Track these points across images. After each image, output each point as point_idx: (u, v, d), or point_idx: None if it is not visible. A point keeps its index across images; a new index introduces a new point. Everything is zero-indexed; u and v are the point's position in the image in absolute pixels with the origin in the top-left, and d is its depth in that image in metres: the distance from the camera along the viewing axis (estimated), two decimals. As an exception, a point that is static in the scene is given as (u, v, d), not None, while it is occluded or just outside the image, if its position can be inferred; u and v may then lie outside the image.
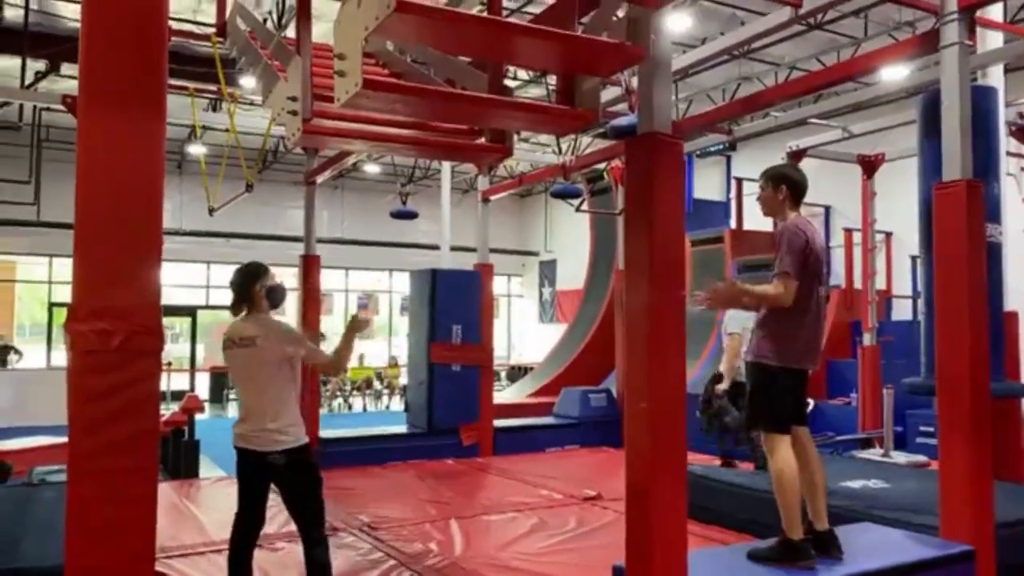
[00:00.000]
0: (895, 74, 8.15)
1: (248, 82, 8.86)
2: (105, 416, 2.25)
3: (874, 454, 7.88)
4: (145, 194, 2.46)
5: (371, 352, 19.77)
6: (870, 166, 9.26)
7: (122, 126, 2.44)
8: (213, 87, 8.71)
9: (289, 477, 3.61)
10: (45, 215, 15.49)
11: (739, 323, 6.38)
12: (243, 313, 3.72)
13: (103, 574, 2.27)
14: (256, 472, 3.62)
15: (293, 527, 4.12)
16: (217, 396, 17.40)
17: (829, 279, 3.79)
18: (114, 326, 2.28)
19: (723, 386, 6.53)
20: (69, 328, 2.30)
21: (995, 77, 6.62)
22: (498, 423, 9.01)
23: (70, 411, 2.26)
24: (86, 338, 2.27)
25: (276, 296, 3.79)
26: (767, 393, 3.63)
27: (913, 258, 10.82)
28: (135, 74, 2.47)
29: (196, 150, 12.87)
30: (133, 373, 2.29)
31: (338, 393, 16.87)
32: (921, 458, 7.72)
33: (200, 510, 6.00)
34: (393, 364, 18.00)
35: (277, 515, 5.74)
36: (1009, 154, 7.34)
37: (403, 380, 15.29)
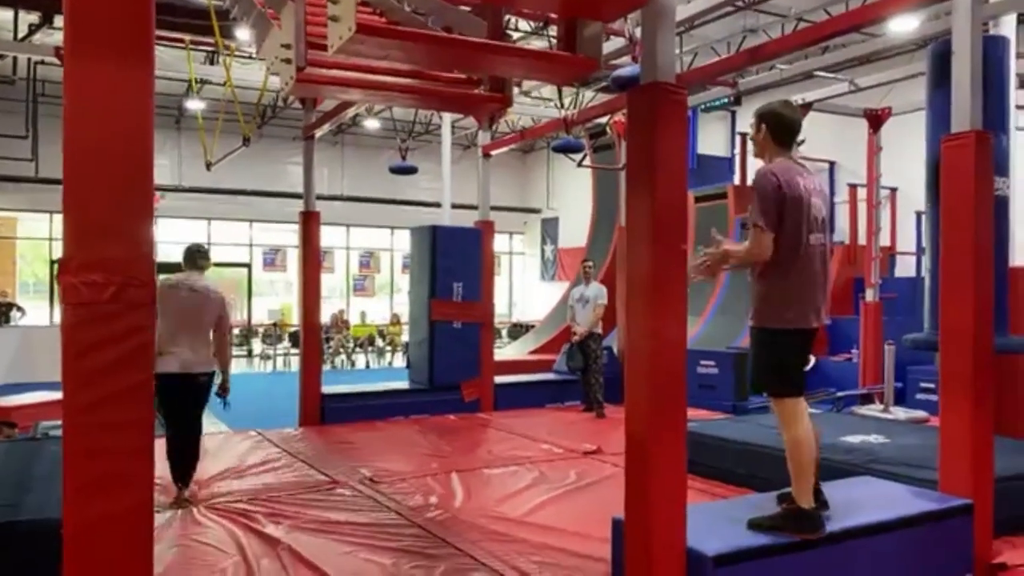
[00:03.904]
0: (904, 25, 7.97)
1: (243, 34, 8.68)
2: (98, 369, 2.22)
3: (874, 410, 7.91)
4: (135, 144, 2.39)
5: (373, 309, 19.79)
6: (876, 120, 9.13)
7: (109, 75, 2.37)
8: (210, 40, 8.55)
9: (204, 391, 5.07)
10: (44, 171, 15.36)
11: (604, 297, 8.54)
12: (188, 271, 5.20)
13: (101, 527, 2.26)
14: (184, 389, 4.89)
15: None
16: (220, 353, 17.46)
17: (830, 226, 3.39)
18: (106, 278, 2.24)
19: (576, 339, 8.60)
20: (61, 281, 2.26)
21: (1007, 27, 6.47)
22: (499, 379, 9.05)
23: (63, 364, 2.23)
24: (77, 291, 2.23)
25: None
26: (774, 357, 3.35)
27: (918, 214, 10.74)
28: (122, 22, 2.39)
29: (194, 105, 12.71)
30: (126, 325, 2.25)
31: (341, 350, 16.93)
32: (921, 414, 7.75)
33: (204, 464, 6.04)
34: (395, 321, 18.03)
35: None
36: (1019, 107, 7.20)
37: (405, 337, 15.33)
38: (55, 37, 11.82)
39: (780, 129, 3.36)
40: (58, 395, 2.30)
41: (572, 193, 19.61)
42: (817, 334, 3.46)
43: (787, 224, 3.22)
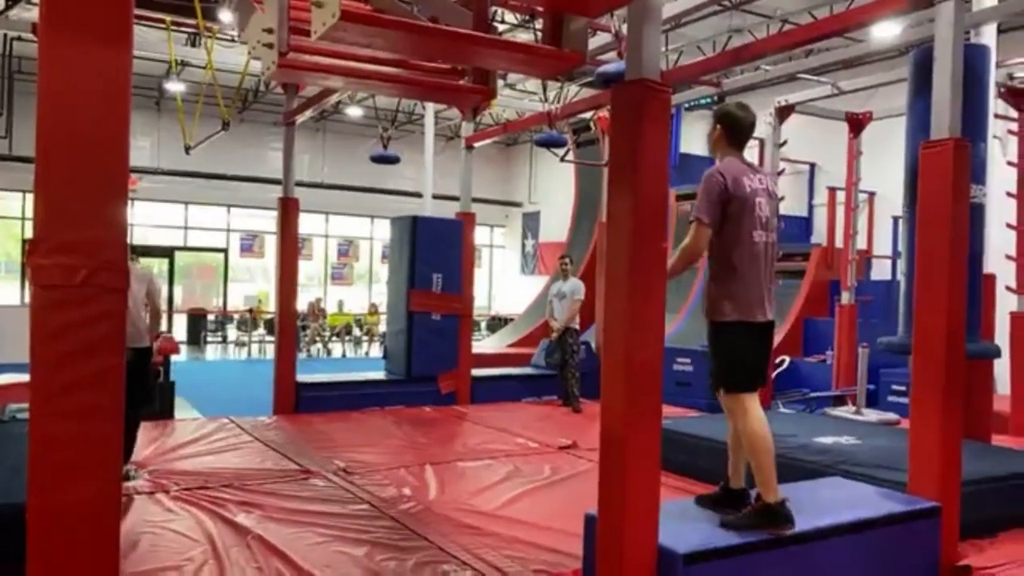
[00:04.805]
0: (886, 31, 8.03)
1: (226, 16, 8.57)
2: (67, 353, 2.18)
3: (847, 411, 8.00)
4: (110, 125, 2.36)
5: (351, 298, 19.69)
6: (857, 124, 9.20)
7: (85, 54, 2.33)
8: (191, 21, 8.43)
9: (130, 369, 5.11)
10: (17, 149, 15.11)
11: (580, 293, 8.61)
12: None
13: (67, 513, 2.23)
14: None
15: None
16: (194, 338, 17.31)
17: (774, 224, 3.45)
18: (77, 261, 2.21)
19: (554, 335, 8.71)
20: (30, 262, 2.22)
21: (988, 36, 6.53)
22: (476, 372, 9.04)
23: (32, 348, 2.20)
24: (48, 272, 2.19)
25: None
26: (724, 350, 3.42)
27: (895, 218, 10.85)
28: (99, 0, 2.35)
29: (174, 87, 12.54)
30: (97, 310, 2.22)
31: (317, 339, 16.83)
32: (892, 416, 7.84)
33: (175, 450, 5.98)
34: (373, 311, 17.96)
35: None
36: (996, 116, 7.29)
37: (383, 327, 15.27)
38: (32, 13, 11.60)
39: (734, 130, 3.49)
40: (27, 377, 2.27)
41: (554, 187, 19.60)
42: (771, 330, 3.52)
43: (732, 222, 3.35)
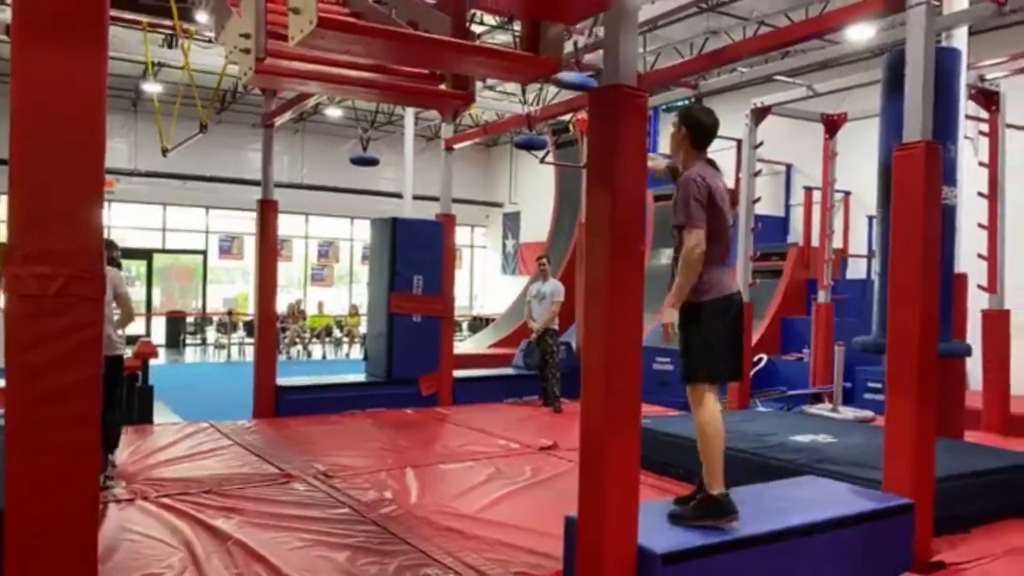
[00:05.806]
0: (861, 33, 8.13)
1: (202, 17, 8.50)
2: (44, 363, 2.17)
3: (823, 409, 8.09)
4: (86, 130, 2.34)
5: (331, 300, 19.61)
6: (832, 125, 9.31)
7: (60, 56, 2.31)
8: (168, 22, 8.34)
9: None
10: (-9, 152, 14.92)
11: (560, 294, 8.66)
12: None
13: (44, 521, 2.22)
14: None
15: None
16: (173, 341, 17.15)
17: (734, 225, 3.73)
18: (53, 270, 2.19)
19: (534, 336, 8.71)
20: (5, 272, 2.21)
21: (959, 39, 6.63)
22: (457, 373, 9.04)
23: (7, 357, 2.18)
24: (23, 282, 2.18)
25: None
26: (709, 330, 3.48)
27: (870, 218, 10.98)
28: (73, 1, 2.34)
29: (151, 88, 12.40)
30: (73, 319, 2.21)
31: (297, 340, 16.74)
32: (868, 413, 7.95)
33: (154, 456, 5.94)
34: (353, 312, 17.91)
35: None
36: (967, 117, 7.40)
37: (363, 328, 15.22)
38: (6, 14, 11.45)
39: (699, 134, 3.62)
40: (2, 384, 2.25)
41: (534, 188, 19.64)
42: (743, 308, 3.66)
43: (712, 221, 3.51)
